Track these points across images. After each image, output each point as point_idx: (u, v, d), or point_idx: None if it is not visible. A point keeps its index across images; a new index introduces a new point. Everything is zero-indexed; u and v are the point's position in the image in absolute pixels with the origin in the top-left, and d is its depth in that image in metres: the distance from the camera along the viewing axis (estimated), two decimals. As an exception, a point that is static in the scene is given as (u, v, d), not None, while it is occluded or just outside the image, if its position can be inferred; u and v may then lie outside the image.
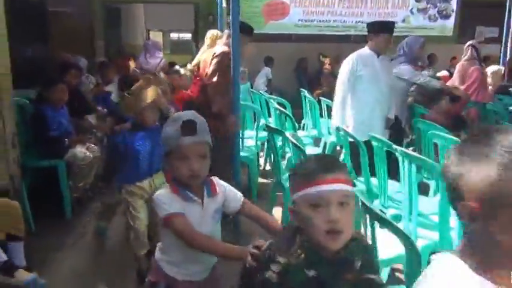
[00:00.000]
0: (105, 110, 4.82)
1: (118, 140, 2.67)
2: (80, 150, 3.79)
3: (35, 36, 5.40)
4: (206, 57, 3.97)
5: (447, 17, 9.32)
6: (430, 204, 2.78)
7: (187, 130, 1.45)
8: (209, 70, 3.46)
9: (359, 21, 8.52)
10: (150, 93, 2.63)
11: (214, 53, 3.48)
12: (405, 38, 4.38)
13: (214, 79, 3.39)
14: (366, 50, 3.79)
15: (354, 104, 3.75)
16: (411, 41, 4.29)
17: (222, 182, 1.63)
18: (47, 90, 3.78)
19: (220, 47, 3.52)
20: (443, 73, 6.57)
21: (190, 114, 1.52)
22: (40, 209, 3.40)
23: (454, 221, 2.23)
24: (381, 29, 3.73)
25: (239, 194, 1.63)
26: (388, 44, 3.76)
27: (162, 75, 5.04)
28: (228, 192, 1.62)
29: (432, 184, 3.29)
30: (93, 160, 3.90)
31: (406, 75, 4.16)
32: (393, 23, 3.87)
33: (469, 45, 5.32)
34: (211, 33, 4.83)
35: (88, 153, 3.84)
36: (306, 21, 9.00)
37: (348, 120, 3.78)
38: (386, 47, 3.77)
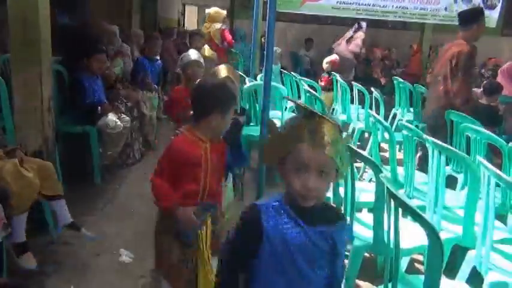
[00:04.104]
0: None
1: None
2: (111, 119, 3.88)
3: (73, 6, 5.49)
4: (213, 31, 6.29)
5: (492, 7, 8.91)
6: (456, 197, 2.74)
7: None
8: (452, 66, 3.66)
9: (399, 7, 8.26)
10: None
11: (455, 53, 3.66)
12: None
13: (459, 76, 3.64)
14: None
15: None
16: None
17: None
18: (86, 58, 3.87)
19: (460, 45, 3.70)
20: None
21: None
22: (70, 174, 3.52)
23: (479, 215, 2.19)
24: None
25: None
26: None
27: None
28: None
29: (460, 178, 3.23)
30: (123, 130, 4.00)
31: None
32: None
33: None
34: (209, 11, 6.48)
35: (119, 123, 3.93)
36: (344, 3, 8.78)
37: None
38: None
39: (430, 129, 3.78)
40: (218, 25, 6.34)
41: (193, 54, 3.29)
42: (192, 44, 6.12)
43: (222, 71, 2.65)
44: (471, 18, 3.78)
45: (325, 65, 6.74)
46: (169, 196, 1.86)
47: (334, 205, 2.73)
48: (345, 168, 1.24)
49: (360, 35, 7.10)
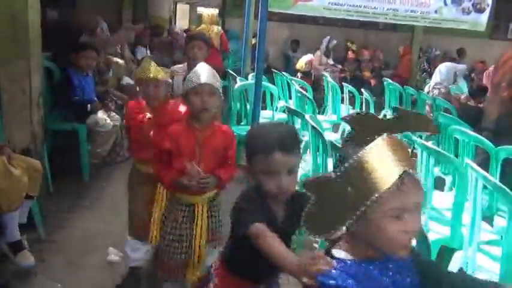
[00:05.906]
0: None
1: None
2: (101, 117, 3.85)
3: (63, 2, 5.45)
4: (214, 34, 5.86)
5: (481, 11, 9.00)
6: (444, 199, 2.76)
7: None
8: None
9: (390, 9, 8.32)
10: None
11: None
12: None
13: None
14: None
15: None
16: None
17: None
18: (75, 55, 3.83)
19: None
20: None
21: None
22: (59, 171, 3.49)
23: (466, 217, 2.21)
24: None
25: None
26: None
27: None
28: None
29: (448, 179, 3.26)
30: (113, 128, 3.97)
31: None
32: None
33: None
34: (207, 13, 6.35)
35: (109, 121, 3.91)
36: (335, 4, 8.80)
37: None
38: None
39: (493, 134, 3.67)
40: (217, 28, 6.23)
41: (203, 74, 1.89)
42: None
43: None
44: None
45: (304, 66, 6.77)
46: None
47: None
48: None
49: (317, 54, 7.45)
